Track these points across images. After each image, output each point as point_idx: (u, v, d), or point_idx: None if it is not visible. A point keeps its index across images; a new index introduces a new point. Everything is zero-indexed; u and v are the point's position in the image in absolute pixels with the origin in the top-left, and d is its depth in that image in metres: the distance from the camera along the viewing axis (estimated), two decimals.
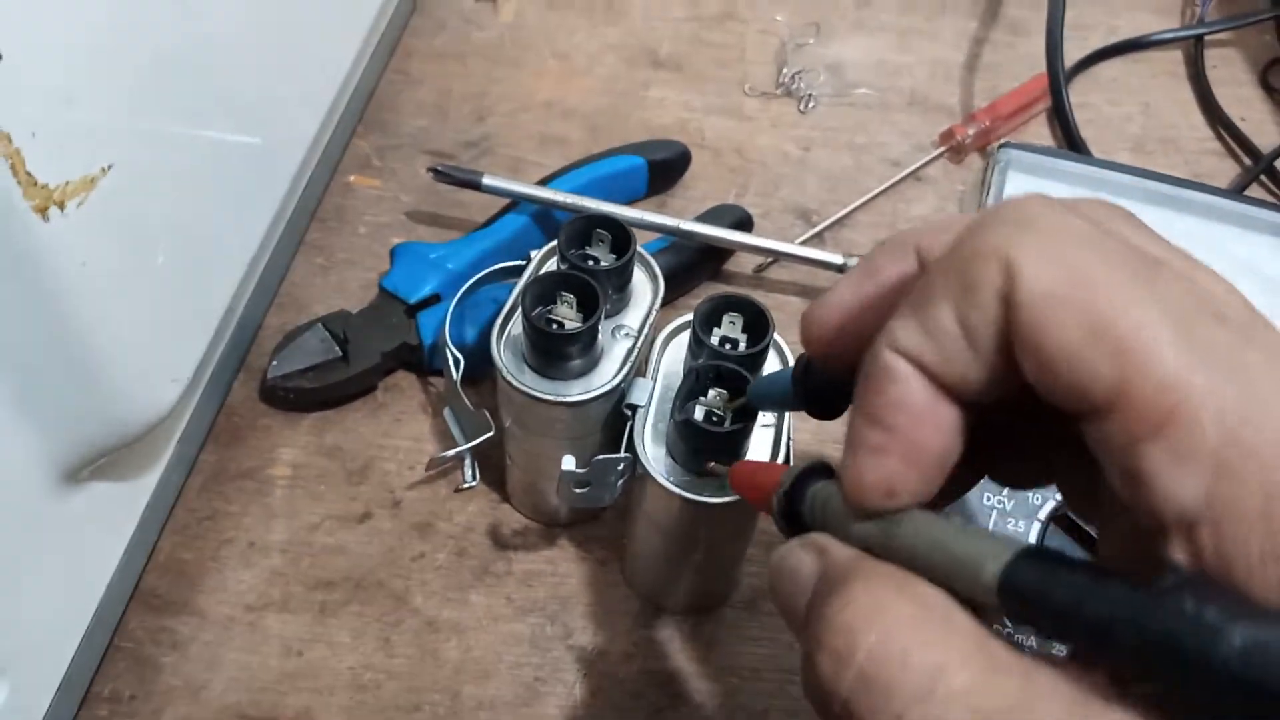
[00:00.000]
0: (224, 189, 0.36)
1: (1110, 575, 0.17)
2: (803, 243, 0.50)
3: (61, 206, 0.25)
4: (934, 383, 0.21)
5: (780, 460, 0.35)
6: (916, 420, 0.21)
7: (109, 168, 0.27)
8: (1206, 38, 0.64)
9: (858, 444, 0.21)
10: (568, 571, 0.42)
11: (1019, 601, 0.18)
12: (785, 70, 0.60)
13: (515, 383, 0.36)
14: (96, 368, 0.29)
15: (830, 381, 0.26)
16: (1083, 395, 0.18)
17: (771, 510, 0.25)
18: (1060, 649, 0.33)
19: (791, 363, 0.33)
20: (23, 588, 0.31)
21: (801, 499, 0.24)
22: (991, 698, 0.17)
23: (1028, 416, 0.22)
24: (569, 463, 0.36)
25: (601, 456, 0.35)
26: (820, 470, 0.24)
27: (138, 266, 0.30)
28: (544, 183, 0.50)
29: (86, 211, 0.26)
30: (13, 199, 0.24)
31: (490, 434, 0.40)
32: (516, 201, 0.49)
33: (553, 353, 0.37)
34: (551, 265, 0.40)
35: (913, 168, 0.56)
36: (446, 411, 0.44)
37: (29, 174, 0.24)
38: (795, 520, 0.24)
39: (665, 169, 0.53)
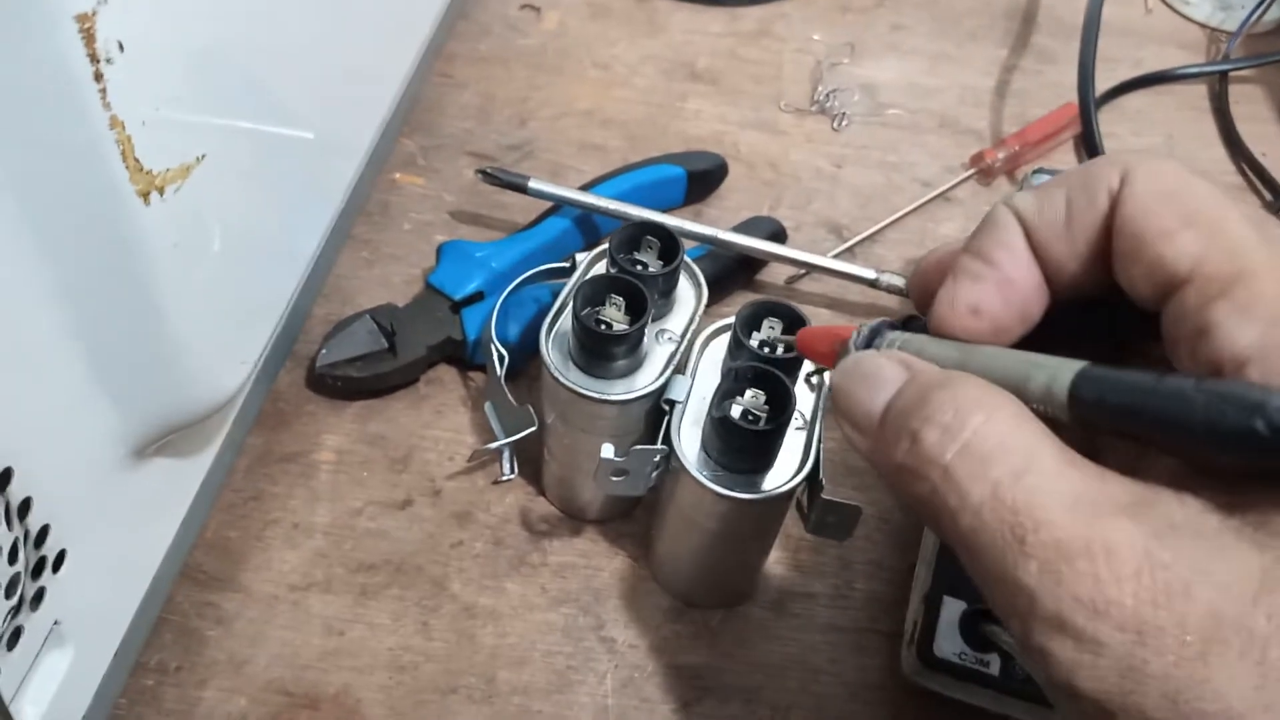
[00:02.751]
0: (291, 185, 0.38)
1: (1168, 375, 0.20)
2: (835, 256, 0.52)
3: (161, 192, 0.27)
4: (1030, 242, 0.25)
5: (809, 465, 0.37)
6: (1012, 260, 0.25)
7: (202, 158, 0.28)
8: (1231, 74, 0.65)
9: (959, 271, 0.26)
10: (600, 565, 0.43)
11: (1087, 404, 0.21)
12: (820, 88, 0.62)
13: (562, 379, 0.38)
14: (175, 347, 0.30)
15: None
16: (1169, 267, 0.22)
17: (839, 354, 0.28)
18: None
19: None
20: (91, 558, 0.32)
21: (880, 337, 0.27)
22: (1072, 481, 0.21)
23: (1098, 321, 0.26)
24: (608, 450, 0.37)
25: (639, 447, 0.37)
26: (893, 325, 0.27)
27: (218, 252, 0.31)
28: (586, 188, 0.51)
29: (180, 198, 0.28)
30: (120, 182, 0.25)
31: (532, 429, 0.42)
32: (559, 205, 0.51)
33: (599, 352, 0.38)
34: (598, 269, 0.41)
35: (943, 188, 0.57)
36: (487, 405, 0.45)
37: (136, 160, 0.25)
38: None
39: (703, 179, 0.55)
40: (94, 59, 0.23)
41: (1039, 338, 0.25)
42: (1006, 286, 0.25)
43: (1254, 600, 0.19)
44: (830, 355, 0.29)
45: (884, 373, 0.25)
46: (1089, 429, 0.22)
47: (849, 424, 0.26)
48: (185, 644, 0.40)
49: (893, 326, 0.27)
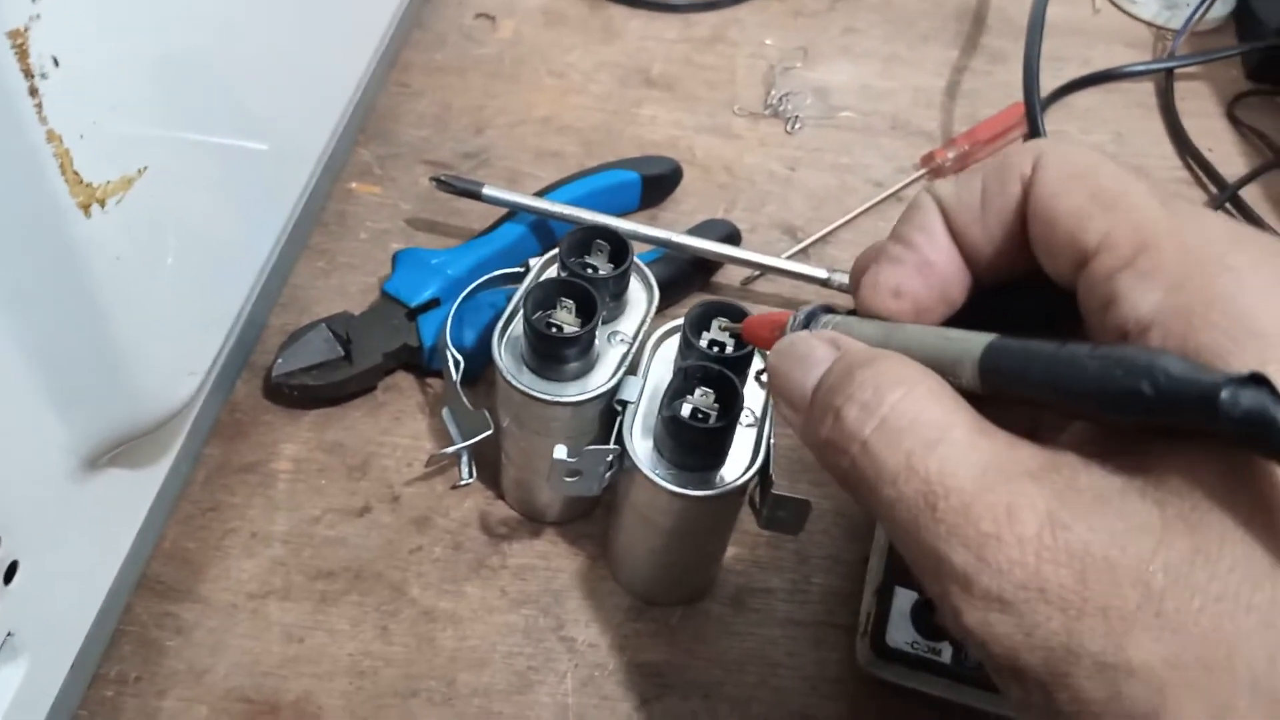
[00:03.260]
0: (241, 195, 0.38)
1: (1067, 343, 0.22)
2: (789, 257, 0.52)
3: (102, 204, 0.27)
4: (949, 226, 0.26)
5: (760, 460, 0.37)
6: (931, 243, 0.26)
7: (144, 169, 0.29)
8: (1177, 71, 0.66)
9: (882, 255, 0.27)
10: (560, 566, 0.43)
11: (995, 374, 0.23)
12: (773, 92, 0.63)
13: (515, 382, 0.38)
14: (122, 359, 0.31)
15: None
16: (1080, 244, 0.23)
17: (777, 337, 0.29)
18: None
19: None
20: (45, 569, 0.32)
21: (815, 320, 0.29)
22: (983, 450, 0.22)
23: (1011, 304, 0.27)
24: (560, 451, 0.37)
25: (591, 446, 0.37)
26: (828, 310, 0.29)
27: (163, 264, 0.31)
28: (541, 194, 0.52)
29: (122, 210, 0.28)
30: (59, 196, 0.26)
31: (488, 432, 0.42)
32: (514, 211, 0.51)
33: (551, 355, 0.38)
34: (550, 273, 0.42)
35: (895, 188, 0.58)
36: (445, 411, 0.46)
37: (75, 173, 0.26)
38: None
39: (657, 184, 0.56)
40: (28, 74, 0.23)
41: (972, 321, 0.26)
42: (926, 269, 0.26)
43: (1151, 555, 0.20)
44: (773, 341, 0.30)
45: (815, 353, 0.26)
46: (1000, 397, 0.23)
47: (784, 403, 0.27)
48: (144, 654, 0.40)
49: (829, 310, 0.29)
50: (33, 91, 0.23)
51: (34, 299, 0.27)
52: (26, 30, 0.23)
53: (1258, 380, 0.19)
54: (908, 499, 0.22)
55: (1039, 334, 0.28)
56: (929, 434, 0.22)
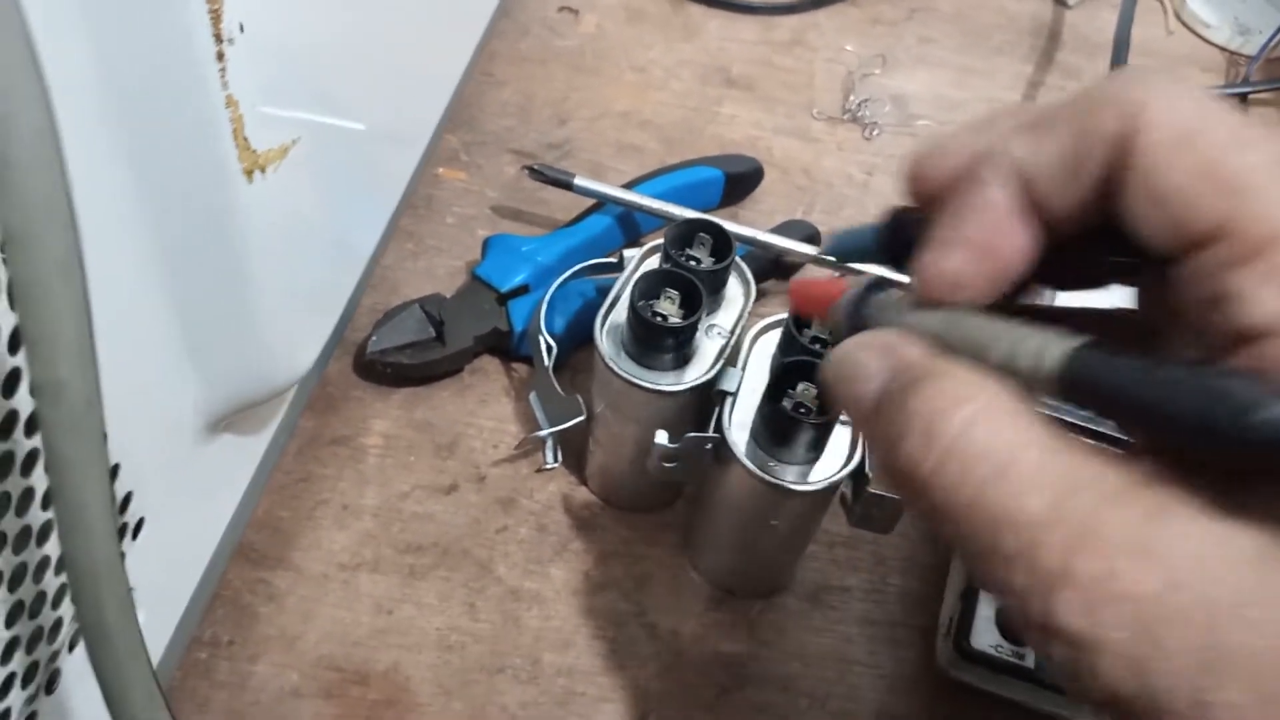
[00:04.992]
0: (361, 175, 0.39)
1: (1164, 363, 0.19)
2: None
3: (263, 171, 0.28)
4: (1027, 198, 0.23)
5: (856, 458, 0.38)
6: (999, 227, 0.23)
7: (298, 140, 0.29)
8: (1250, 96, 0.67)
9: (940, 238, 0.24)
10: (641, 554, 0.44)
11: (1075, 388, 0.20)
12: (851, 98, 0.63)
13: (616, 369, 0.39)
14: (260, 322, 0.31)
15: (912, 236, 0.26)
16: (1188, 230, 0.20)
17: (830, 315, 0.27)
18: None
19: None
20: (164, 529, 0.33)
21: (866, 304, 0.26)
22: (1055, 472, 0.20)
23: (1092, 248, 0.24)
24: (661, 436, 0.38)
25: (693, 434, 0.38)
26: (884, 284, 0.26)
27: (301, 234, 0.32)
28: (627, 187, 0.52)
29: (278, 178, 0.29)
30: (229, 159, 0.26)
31: (580, 419, 0.43)
32: (601, 203, 0.52)
33: (653, 344, 0.39)
34: (649, 264, 0.42)
35: None
36: (532, 395, 0.46)
37: (245, 138, 0.26)
38: (856, 324, 0.26)
39: (740, 182, 0.56)
40: (218, 39, 0.24)
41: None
42: (988, 256, 0.23)
43: (1253, 588, 0.18)
44: (823, 309, 0.28)
45: (867, 369, 0.24)
46: (1079, 408, 0.21)
47: (846, 415, 0.25)
48: (238, 619, 0.40)
49: (882, 286, 0.26)
50: (220, 56, 0.24)
51: (191, 256, 0.28)
52: None
53: None
54: (978, 535, 0.20)
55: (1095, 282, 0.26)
56: (995, 463, 0.20)
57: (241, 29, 0.25)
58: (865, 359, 0.24)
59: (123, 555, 0.30)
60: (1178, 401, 0.19)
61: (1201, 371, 0.19)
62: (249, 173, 0.27)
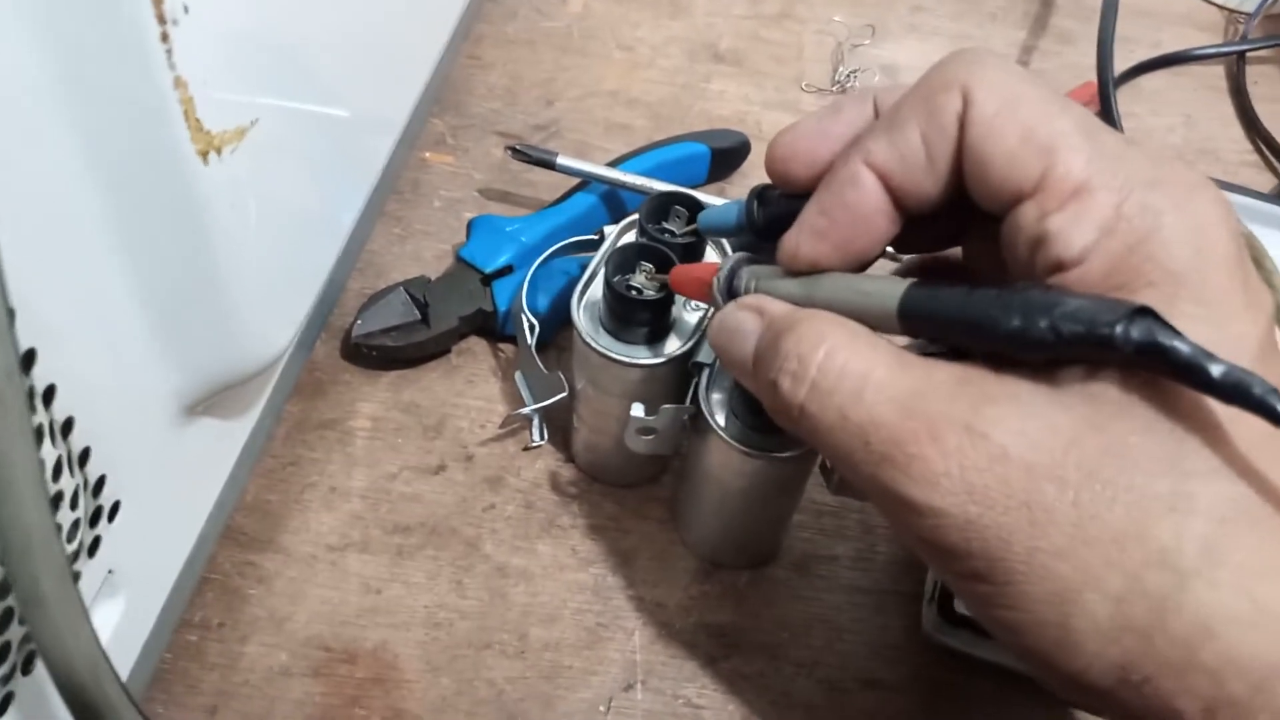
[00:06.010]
0: (332, 158, 0.39)
1: (977, 288, 0.24)
2: None
3: (219, 152, 0.28)
4: (892, 193, 0.26)
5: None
6: (859, 223, 0.27)
7: (255, 121, 0.30)
8: (1248, 54, 0.66)
9: (806, 225, 0.28)
10: (628, 528, 0.44)
11: (912, 320, 0.25)
12: (841, 69, 0.63)
13: (593, 344, 0.39)
14: (230, 306, 0.32)
15: (778, 213, 0.31)
16: (1015, 186, 0.24)
17: (711, 293, 0.32)
18: None
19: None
20: (142, 512, 0.33)
21: (738, 276, 0.31)
22: (902, 384, 0.24)
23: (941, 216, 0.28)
24: (638, 409, 0.38)
25: (668, 405, 0.38)
26: (751, 260, 0.31)
27: (267, 216, 0.32)
28: (613, 165, 0.52)
29: (235, 159, 0.29)
30: (181, 142, 0.27)
31: (563, 395, 0.43)
32: (586, 182, 0.52)
33: (630, 318, 0.39)
34: (627, 239, 0.42)
35: None
36: (517, 374, 0.47)
37: (197, 120, 0.27)
38: (732, 295, 0.31)
39: (727, 157, 0.56)
40: (161, 20, 0.24)
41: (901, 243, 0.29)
42: (847, 246, 0.27)
43: (1064, 453, 0.22)
44: (703, 290, 0.32)
45: (744, 326, 0.28)
46: (917, 338, 0.26)
47: (735, 375, 0.29)
48: (227, 602, 0.41)
49: (751, 261, 0.31)
50: (164, 37, 0.24)
51: (153, 242, 0.28)
52: None
53: (1145, 312, 0.21)
54: (849, 447, 0.24)
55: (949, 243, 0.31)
56: (853, 384, 0.24)
57: (186, 10, 0.25)
58: (741, 318, 0.28)
59: (79, 531, 0.30)
60: (990, 314, 0.23)
61: (1006, 289, 0.23)
62: (204, 154, 0.27)
